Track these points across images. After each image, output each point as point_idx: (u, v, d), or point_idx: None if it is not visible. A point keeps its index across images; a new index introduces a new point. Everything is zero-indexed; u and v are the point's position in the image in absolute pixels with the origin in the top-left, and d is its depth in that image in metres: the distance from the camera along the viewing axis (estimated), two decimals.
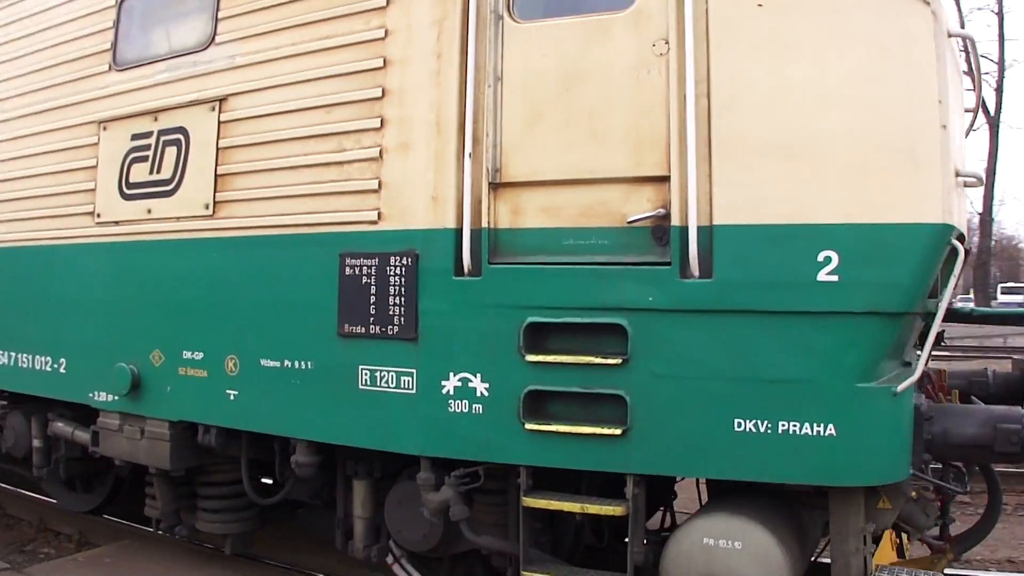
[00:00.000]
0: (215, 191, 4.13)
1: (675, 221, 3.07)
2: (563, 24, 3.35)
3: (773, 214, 2.94)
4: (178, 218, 4.27)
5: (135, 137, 4.47)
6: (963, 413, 3.22)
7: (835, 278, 2.86)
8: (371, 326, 3.60)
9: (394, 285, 3.56)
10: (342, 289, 3.69)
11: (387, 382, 3.59)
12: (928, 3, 2.87)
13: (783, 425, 2.96)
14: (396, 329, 3.55)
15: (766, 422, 2.97)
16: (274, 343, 3.91)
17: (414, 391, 3.51)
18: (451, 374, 3.43)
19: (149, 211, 4.39)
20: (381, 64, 3.65)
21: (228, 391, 4.05)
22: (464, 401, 3.41)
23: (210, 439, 4.21)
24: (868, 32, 2.90)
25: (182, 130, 4.28)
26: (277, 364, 3.89)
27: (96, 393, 4.61)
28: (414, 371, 3.52)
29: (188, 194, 4.22)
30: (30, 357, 4.96)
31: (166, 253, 4.32)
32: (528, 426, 3.28)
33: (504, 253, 3.37)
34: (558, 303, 3.25)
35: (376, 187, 3.62)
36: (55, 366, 4.81)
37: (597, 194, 3.25)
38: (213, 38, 4.21)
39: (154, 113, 4.40)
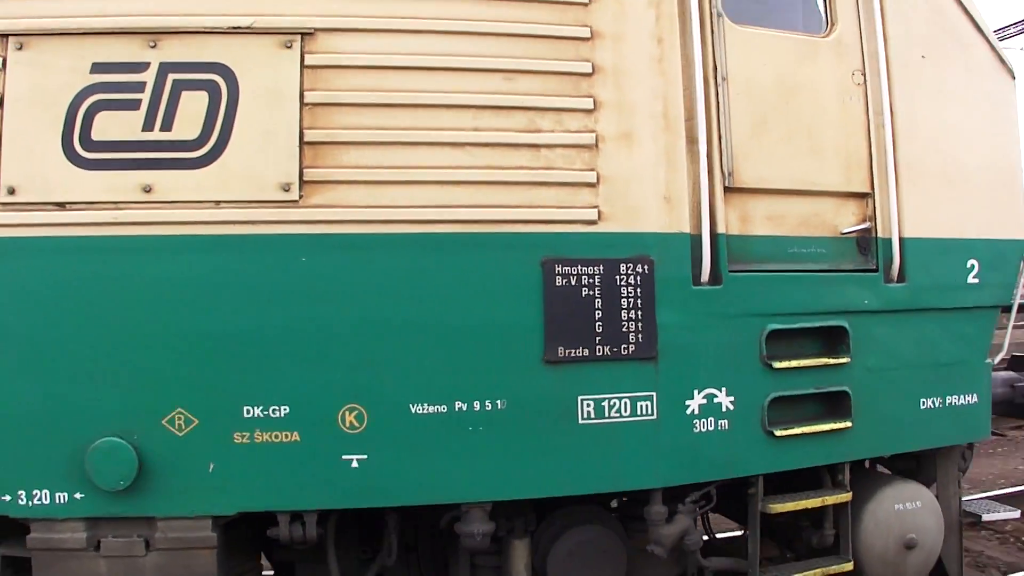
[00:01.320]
0: (301, 166, 2.89)
1: (880, 233, 3.58)
2: (777, 36, 3.50)
3: (942, 229, 3.71)
4: (218, 202, 2.83)
5: (102, 68, 2.77)
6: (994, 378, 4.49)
7: (977, 280, 3.79)
8: (597, 347, 3.11)
9: (627, 297, 3.15)
10: (549, 304, 3.07)
11: (619, 411, 3.15)
12: (1014, 77, 4.04)
13: (950, 399, 3.75)
14: (632, 348, 3.15)
15: (939, 398, 3.72)
16: (434, 381, 2.98)
17: (654, 416, 3.18)
18: (695, 392, 3.24)
19: (147, 188, 2.78)
20: (588, 35, 3.17)
21: (347, 456, 2.90)
22: (710, 419, 3.26)
23: (303, 531, 2.93)
24: (988, 91, 3.91)
25: (220, 69, 2.85)
26: (441, 409, 2.98)
27: (23, 494, 2.69)
28: (654, 394, 3.18)
29: (240, 167, 2.85)
30: None
31: (193, 256, 2.82)
32: (777, 433, 3.34)
33: (737, 260, 3.35)
34: (793, 309, 3.41)
35: (593, 180, 3.13)
36: None
37: (815, 206, 3.53)
38: None
39: (149, 35, 2.80)
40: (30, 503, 2.71)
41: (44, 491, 2.72)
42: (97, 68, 2.78)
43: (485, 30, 3.07)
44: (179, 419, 2.79)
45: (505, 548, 3.35)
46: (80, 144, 2.76)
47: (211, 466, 2.81)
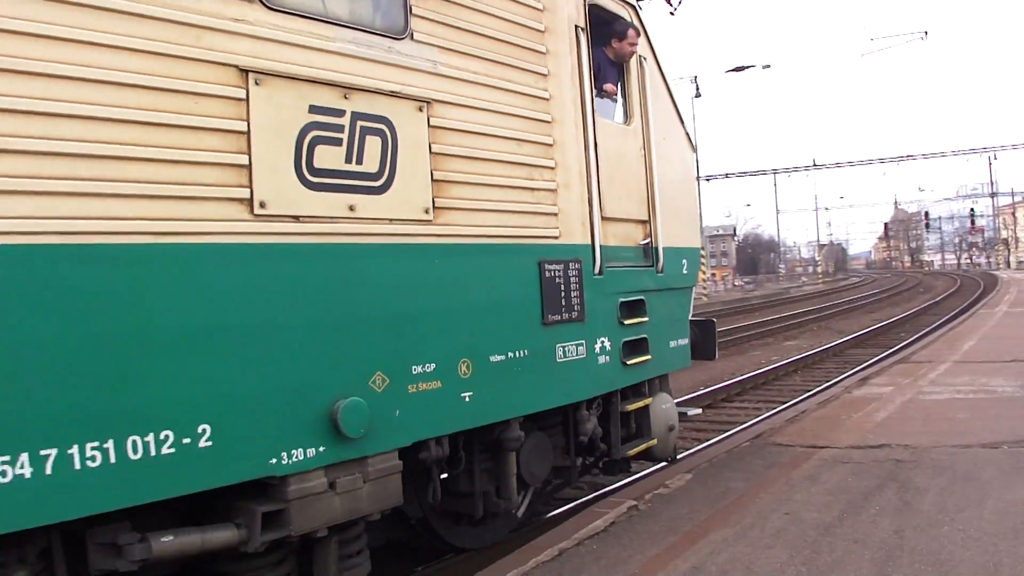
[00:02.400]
0: (433, 196, 4.29)
1: (654, 244, 6.23)
2: (613, 125, 5.89)
3: (674, 242, 6.48)
4: (391, 220, 4.08)
5: (317, 110, 3.78)
6: None
7: (686, 271, 6.70)
8: (563, 313, 5.10)
9: (572, 283, 5.18)
10: (543, 288, 4.95)
11: (571, 353, 5.18)
12: (695, 150, 7.12)
13: (680, 341, 6.60)
14: (575, 313, 5.19)
15: (675, 340, 6.52)
16: (499, 339, 4.64)
17: (584, 356, 5.28)
18: (597, 339, 5.43)
19: (352, 207, 3.90)
20: (549, 119, 5.11)
21: (463, 394, 4.40)
22: (604, 356, 5.48)
23: (441, 450, 4.31)
24: (685, 158, 6.88)
25: (386, 121, 4.08)
26: (503, 357, 4.66)
27: (285, 455, 3.55)
28: (584, 342, 5.29)
29: (403, 195, 4.13)
30: (115, 442, 3.01)
31: (379, 259, 4.01)
32: (627, 363, 5.73)
33: (606, 260, 5.62)
34: (628, 289, 5.81)
35: (556, 212, 5.08)
36: (182, 442, 3.22)
37: (629, 228, 5.98)
38: (409, 32, 4.23)
39: (344, 88, 3.89)
40: (290, 461, 3.56)
41: (299, 450, 3.59)
42: (313, 109, 3.73)
43: (518, 113, 4.83)
44: (379, 379, 3.92)
45: (504, 456, 5.07)
46: (307, 170, 3.68)
47: (397, 412, 3.99)
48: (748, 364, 16.43)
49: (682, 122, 6.96)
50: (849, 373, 13.90)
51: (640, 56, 6.26)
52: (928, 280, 62.86)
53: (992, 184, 73.72)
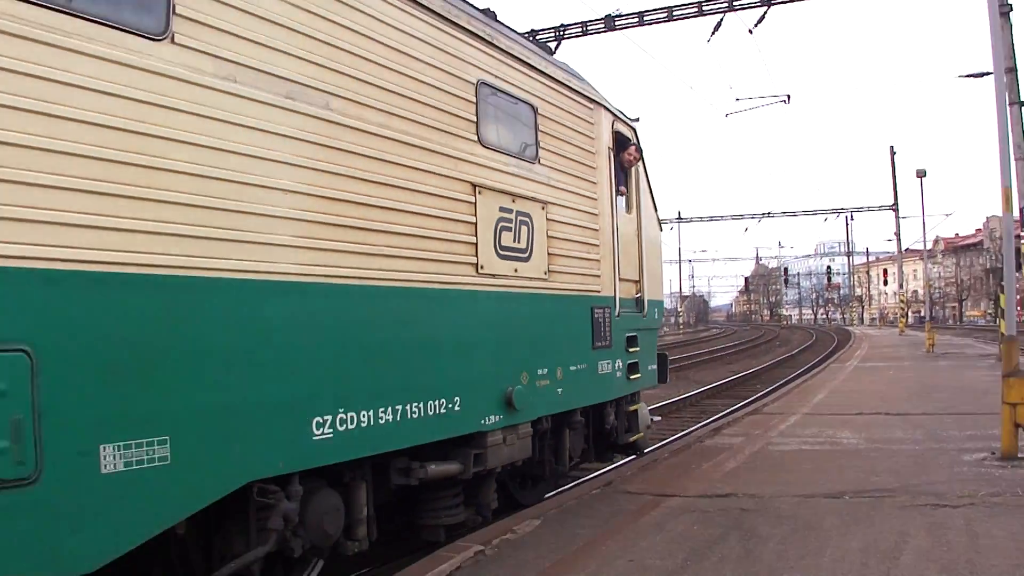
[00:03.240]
0: (548, 264, 7.16)
1: (642, 296, 9.18)
2: (625, 215, 8.86)
3: (651, 295, 9.53)
4: (531, 278, 6.94)
5: (502, 209, 6.57)
6: None
7: (657, 316, 9.77)
8: (601, 342, 8.00)
9: (606, 322, 8.10)
10: (593, 324, 7.86)
11: (605, 369, 8.13)
12: (661, 229, 10.10)
13: (651, 367, 9.59)
14: (607, 343, 8.14)
15: (649, 366, 9.53)
16: (574, 356, 7.57)
17: (611, 372, 8.21)
18: (616, 360, 8.32)
19: (515, 270, 6.74)
20: (596, 212, 8.01)
21: (558, 390, 7.28)
22: (619, 372, 8.44)
23: (547, 424, 7.30)
24: (657, 233, 9.96)
25: (528, 215, 6.94)
26: (575, 368, 7.58)
27: (486, 418, 6.30)
28: (611, 361, 8.21)
29: (535, 263, 7.01)
30: (420, 405, 5.57)
31: (525, 303, 6.83)
32: (630, 377, 8.63)
33: (621, 307, 8.50)
34: (631, 327, 8.76)
35: (599, 274, 8.03)
36: (450, 406, 5.86)
37: (629, 285, 8.93)
38: (538, 158, 7.11)
39: (512, 195, 6.70)
40: (488, 422, 6.34)
41: (492, 416, 6.36)
42: (500, 208, 6.57)
43: (583, 208, 7.81)
44: (524, 377, 6.77)
45: (562, 433, 7.88)
46: (497, 246, 6.48)
47: (531, 398, 6.80)
48: None
49: (656, 207, 9.98)
50: (704, 423, 14.61)
51: (632, 150, 9.15)
52: (785, 334, 67.36)
53: (848, 243, 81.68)
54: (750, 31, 18.65)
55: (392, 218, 5.33)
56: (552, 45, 18.29)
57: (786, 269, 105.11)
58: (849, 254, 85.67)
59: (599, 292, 7.98)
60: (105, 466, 3.58)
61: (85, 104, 3.61)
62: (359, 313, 5.09)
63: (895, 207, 46.21)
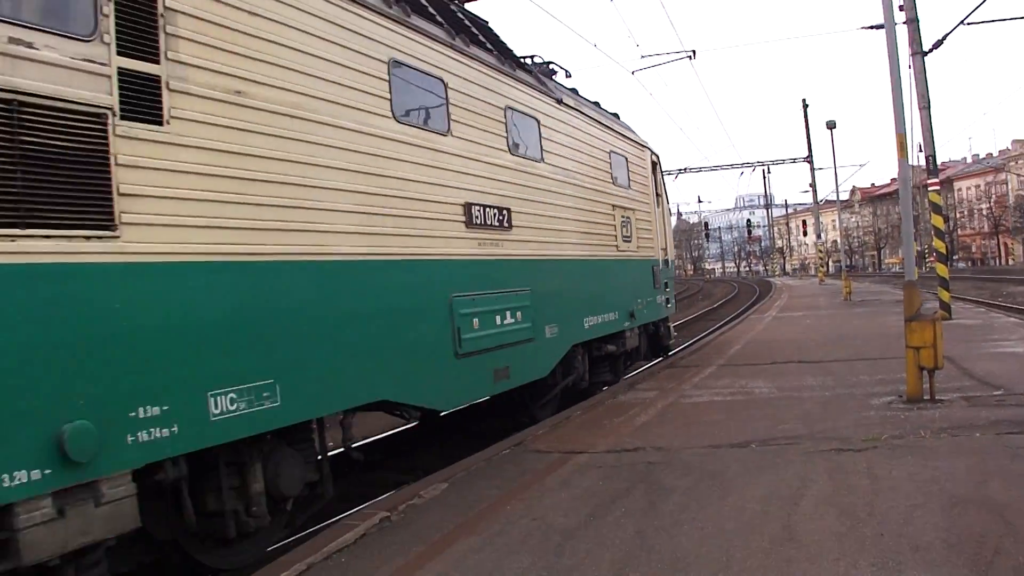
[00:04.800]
0: (637, 243, 13.56)
1: (666, 256, 14.80)
2: (657, 208, 15.81)
3: (669, 256, 15.41)
4: (632, 251, 13.16)
5: (621, 217, 12.66)
6: None
7: (670, 269, 15.38)
8: (656, 285, 14.49)
9: (657, 274, 14.58)
10: (653, 276, 14.37)
11: (660, 301, 14.75)
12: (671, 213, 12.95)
13: None
14: (658, 286, 14.70)
15: None
16: (648, 293, 13.88)
17: (662, 303, 14.96)
18: (661, 296, 14.94)
19: (628, 248, 12.78)
20: (650, 207, 14.81)
21: (644, 311, 13.56)
22: (664, 302, 15.31)
23: (652, 328, 14.72)
24: (668, 218, 13.25)
25: (629, 218, 13.17)
26: (649, 300, 13.95)
27: (624, 324, 12.51)
28: (660, 296, 14.72)
29: (633, 243, 13.30)
30: (603, 316, 11.56)
31: (631, 265, 13.15)
32: (667, 306, 15.81)
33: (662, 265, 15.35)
34: (665, 277, 15.47)
35: (652, 246, 14.61)
36: (612, 318, 11.93)
37: (659, 251, 15.38)
38: (631, 186, 13.46)
39: (623, 208, 12.91)
40: (625, 326, 12.58)
41: (625, 323, 12.59)
42: (620, 217, 12.86)
43: (645, 207, 14.54)
44: (635, 303, 13.17)
45: (649, 336, 14.70)
46: (620, 237, 12.80)
47: (637, 315, 13.27)
48: None
49: (667, 199, 17.02)
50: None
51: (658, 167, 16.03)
52: (708, 287, 69.70)
53: (767, 196, 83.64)
54: None
55: (588, 228, 11.36)
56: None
57: (707, 223, 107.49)
58: (768, 207, 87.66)
59: (654, 256, 14.41)
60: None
61: (391, 169, 6.81)
62: (584, 272, 10.97)
63: (809, 159, 47.48)
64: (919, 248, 53.08)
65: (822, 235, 50.59)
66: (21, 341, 3.82)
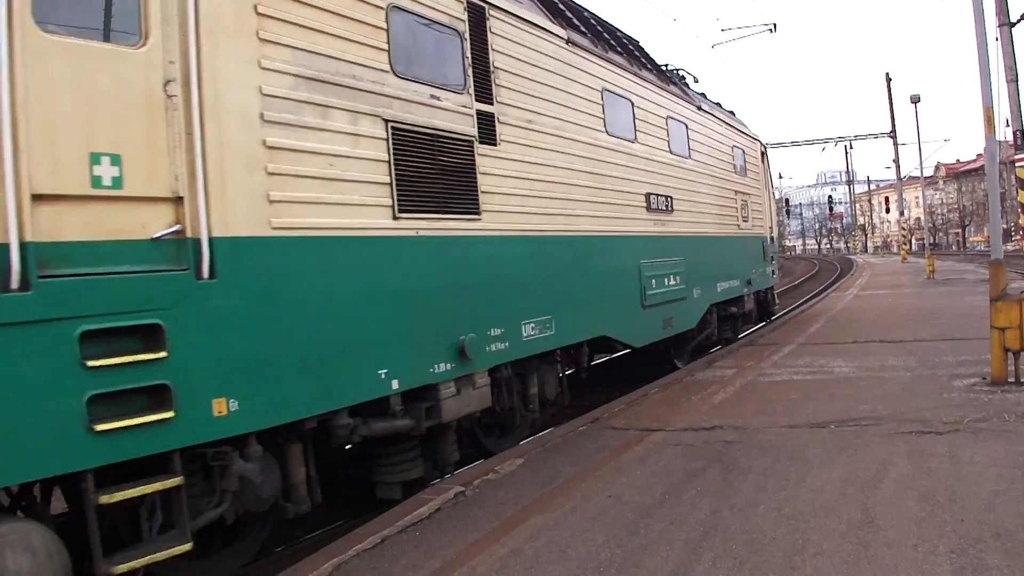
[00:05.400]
0: (753, 223, 16.00)
1: (771, 234, 14.52)
2: (764, 191, 18.18)
3: (773, 233, 12.86)
4: (749, 229, 15.54)
5: (741, 200, 15.16)
6: None
7: (775, 245, 14.76)
8: (765, 257, 16.88)
9: (767, 248, 17.09)
10: (763, 249, 16.70)
11: (767, 272, 17.16)
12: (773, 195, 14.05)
13: None
14: (768, 258, 17.27)
15: None
16: (761, 264, 16.42)
17: (770, 273, 17.62)
18: (770, 268, 17.54)
19: (746, 226, 15.07)
20: (761, 191, 17.20)
21: (758, 279, 16.16)
22: (772, 272, 18.26)
23: (755, 296, 16.41)
24: (773, 199, 13.01)
25: (747, 202, 15.69)
26: (762, 270, 16.54)
27: (743, 290, 14.89)
28: (770, 267, 17.42)
29: (750, 222, 15.61)
30: (728, 283, 13.80)
31: (748, 240, 15.54)
32: (773, 276, 18.27)
33: (771, 240, 18.43)
34: (772, 251, 18.52)
35: (763, 224, 17.00)
36: (737, 284, 14.48)
37: (768, 229, 18.06)
38: (747, 173, 15.85)
39: (743, 193, 15.52)
40: (744, 292, 14.91)
41: (744, 289, 14.98)
42: (740, 200, 15.28)
43: (757, 191, 16.90)
44: (752, 272, 15.73)
45: (754, 303, 16.30)
46: (740, 216, 15.39)
47: (753, 283, 15.78)
48: None
49: (772, 182, 19.29)
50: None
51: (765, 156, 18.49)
52: (789, 264, 68.11)
53: (849, 172, 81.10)
54: None
55: (720, 210, 13.74)
56: None
57: (788, 200, 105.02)
58: (850, 183, 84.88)
59: (764, 233, 16.56)
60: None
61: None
62: (717, 246, 13.24)
63: (893, 134, 45.75)
64: (1006, 226, 50.77)
65: (905, 212, 48.87)
66: (443, 284, 6.22)
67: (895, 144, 45.67)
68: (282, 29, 4.94)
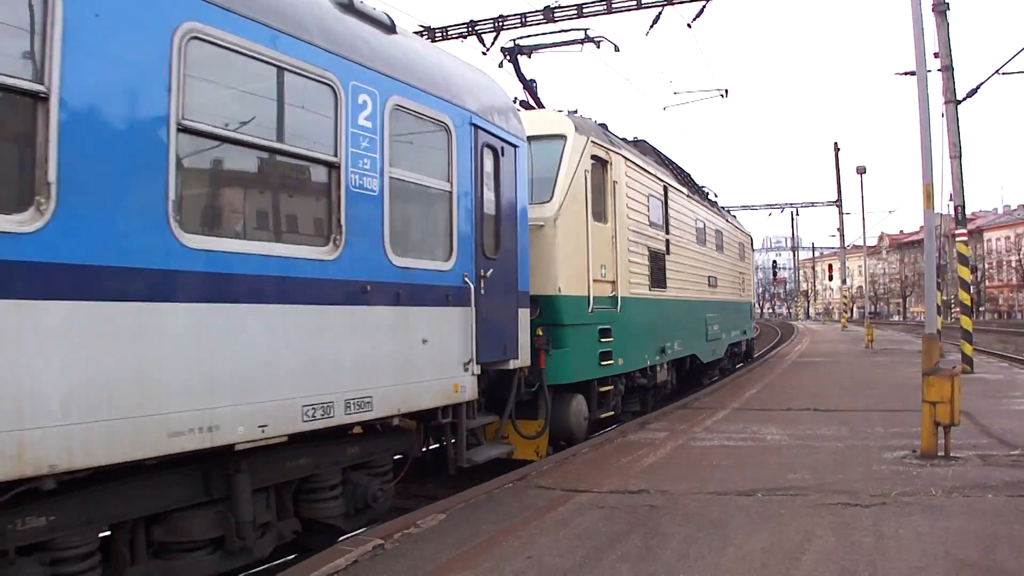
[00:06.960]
0: (744, 290, 23.02)
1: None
2: (748, 265, 18.94)
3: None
4: (737, 296, 21.67)
5: (741, 278, 22.88)
6: None
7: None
8: (751, 317, 25.13)
9: (751, 310, 24.98)
10: (750, 312, 24.75)
11: (750, 327, 24.60)
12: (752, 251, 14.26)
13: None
14: (751, 317, 25.21)
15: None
16: (747, 322, 23.69)
17: (751, 327, 25.26)
18: (752, 324, 25.67)
19: (737, 293, 20.37)
20: (747, 265, 24.39)
21: (744, 333, 23.14)
22: (752, 328, 25.83)
23: (740, 344, 23.12)
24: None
25: (742, 277, 22.94)
26: (748, 327, 24.23)
27: (735, 339, 21.69)
28: (751, 324, 25.27)
29: (737, 290, 21.49)
30: (730, 332, 20.54)
31: (740, 305, 22.13)
32: (753, 331, 18.78)
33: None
34: (752, 313, 23.62)
35: (750, 291, 24.88)
36: (730, 334, 20.44)
37: (749, 295, 23.80)
38: (743, 259, 23.48)
39: (739, 272, 22.43)
40: (733, 339, 21.17)
41: (738, 337, 22.05)
42: (738, 273, 22.47)
43: (747, 265, 24.48)
44: (743, 328, 23.06)
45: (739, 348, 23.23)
46: (739, 288, 22.50)
47: (738, 335, 22.30)
48: None
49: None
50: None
51: (752, 242, 27.63)
52: None
53: (794, 238, 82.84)
54: (689, 25, 18.51)
55: (732, 285, 21.08)
56: (490, 36, 18.76)
57: None
58: (795, 249, 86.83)
59: (752, 300, 24.12)
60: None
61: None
62: (731, 308, 20.66)
63: (839, 203, 47.15)
64: (944, 298, 52.49)
65: (848, 280, 50.04)
66: (658, 319, 13.35)
67: (840, 213, 47.06)
68: (629, 205, 11.94)
